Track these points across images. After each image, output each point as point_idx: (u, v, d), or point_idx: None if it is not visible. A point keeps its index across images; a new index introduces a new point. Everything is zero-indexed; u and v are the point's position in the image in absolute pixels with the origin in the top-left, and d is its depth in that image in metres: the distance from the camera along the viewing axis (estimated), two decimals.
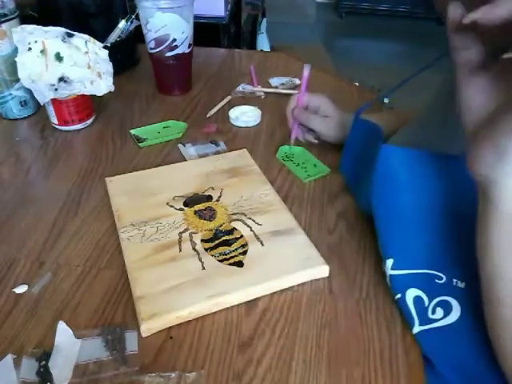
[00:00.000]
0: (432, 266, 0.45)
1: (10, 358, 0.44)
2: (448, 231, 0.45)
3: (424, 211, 0.46)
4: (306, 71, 0.68)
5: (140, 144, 0.76)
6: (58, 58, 0.74)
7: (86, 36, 0.76)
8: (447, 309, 0.44)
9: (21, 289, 0.52)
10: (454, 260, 0.44)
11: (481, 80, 0.35)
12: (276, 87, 0.94)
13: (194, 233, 0.57)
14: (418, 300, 0.46)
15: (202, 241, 0.56)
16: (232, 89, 0.93)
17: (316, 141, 0.73)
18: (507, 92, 0.34)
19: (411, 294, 0.46)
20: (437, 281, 0.45)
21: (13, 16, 0.75)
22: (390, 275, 0.47)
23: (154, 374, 0.43)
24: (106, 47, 0.79)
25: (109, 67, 0.78)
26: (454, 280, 0.44)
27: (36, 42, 0.73)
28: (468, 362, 0.44)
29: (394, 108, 0.87)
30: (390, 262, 0.47)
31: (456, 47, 0.34)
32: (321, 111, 0.71)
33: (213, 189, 0.64)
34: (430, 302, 0.45)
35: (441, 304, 0.45)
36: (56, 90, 0.74)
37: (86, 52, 0.76)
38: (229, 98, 0.90)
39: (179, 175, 0.67)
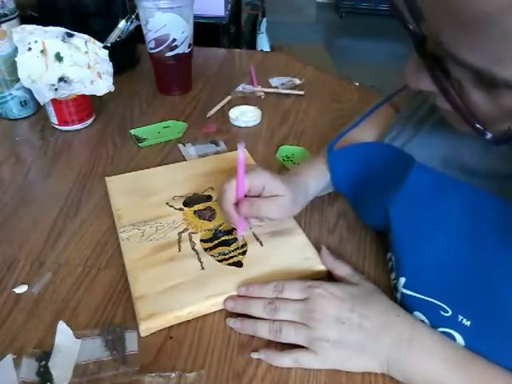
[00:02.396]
0: (439, 297, 0.44)
1: (10, 357, 0.44)
2: (461, 268, 0.43)
3: (441, 241, 0.44)
4: (242, 151, 0.49)
5: (140, 144, 0.76)
6: (58, 58, 0.74)
7: (86, 36, 0.76)
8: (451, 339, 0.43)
9: (21, 289, 0.52)
10: (462, 298, 0.43)
11: None
12: (276, 87, 0.94)
13: (194, 233, 0.57)
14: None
15: (201, 241, 0.56)
16: (232, 89, 0.93)
17: (262, 223, 0.56)
18: None
19: (417, 316, 0.45)
20: (442, 313, 0.43)
21: (13, 16, 0.75)
22: (402, 293, 0.47)
23: (153, 374, 0.43)
24: (106, 47, 0.79)
25: (109, 67, 0.78)
26: (460, 316, 0.42)
27: (36, 42, 0.73)
28: None
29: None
30: (402, 280, 0.47)
31: None
32: (266, 191, 0.53)
33: (212, 189, 0.64)
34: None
35: (444, 334, 0.43)
36: (56, 90, 0.74)
37: (86, 52, 0.76)
38: (229, 97, 0.90)
39: (179, 175, 0.67)
